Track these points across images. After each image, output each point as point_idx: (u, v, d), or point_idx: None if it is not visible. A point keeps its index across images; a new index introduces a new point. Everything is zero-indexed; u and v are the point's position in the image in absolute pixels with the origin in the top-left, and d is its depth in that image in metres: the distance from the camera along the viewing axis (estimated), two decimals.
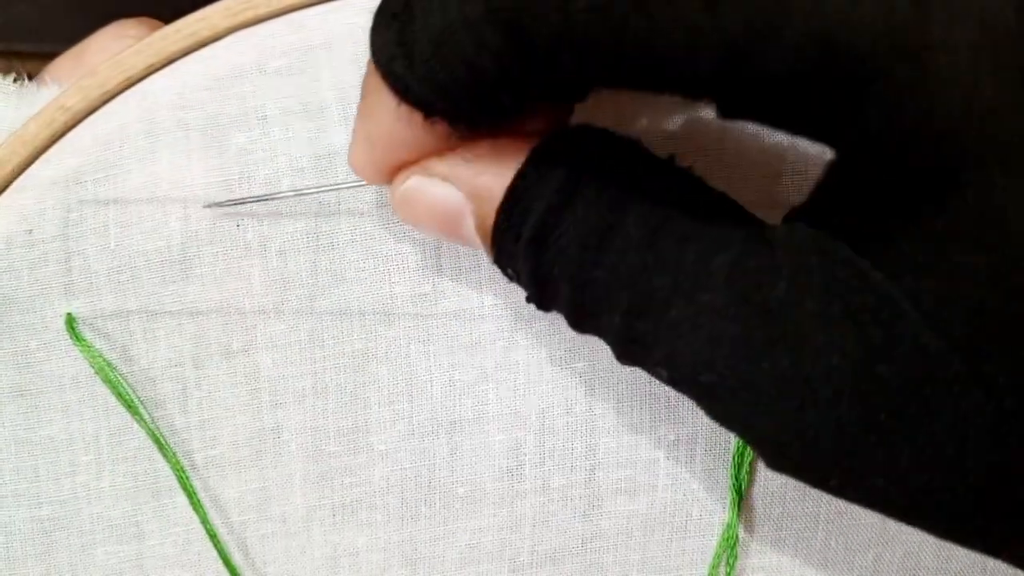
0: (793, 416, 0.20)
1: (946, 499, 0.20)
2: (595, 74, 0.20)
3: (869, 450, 0.20)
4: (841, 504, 0.29)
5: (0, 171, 0.28)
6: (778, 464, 0.22)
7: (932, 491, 0.20)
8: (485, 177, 0.23)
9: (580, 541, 0.30)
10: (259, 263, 0.29)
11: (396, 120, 0.22)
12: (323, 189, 0.27)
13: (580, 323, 0.23)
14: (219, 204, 0.28)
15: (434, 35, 0.20)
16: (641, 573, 0.30)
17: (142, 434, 0.29)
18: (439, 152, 0.23)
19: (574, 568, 0.30)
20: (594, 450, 0.29)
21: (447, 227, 0.24)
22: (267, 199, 0.28)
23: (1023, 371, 0.19)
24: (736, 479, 0.29)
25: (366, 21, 0.28)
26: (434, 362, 0.29)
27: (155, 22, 0.30)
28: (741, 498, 0.29)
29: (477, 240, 0.24)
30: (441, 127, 0.22)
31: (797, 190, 0.27)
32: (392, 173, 0.24)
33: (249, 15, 0.28)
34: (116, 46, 0.29)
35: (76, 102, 0.28)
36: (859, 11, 0.18)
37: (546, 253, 0.22)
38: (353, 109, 0.27)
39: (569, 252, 0.22)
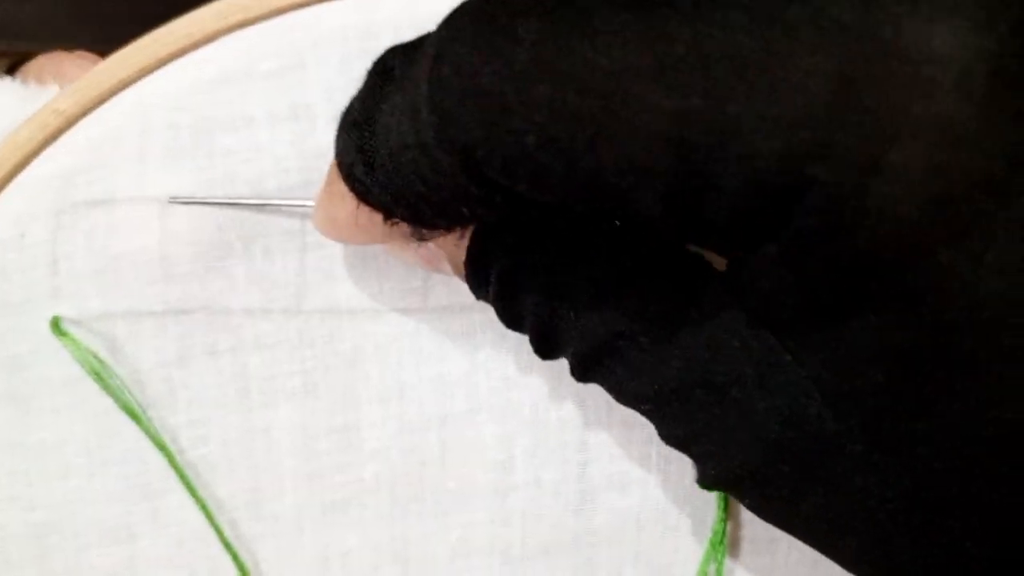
0: (714, 451, 0.23)
1: (848, 548, 0.22)
2: (546, 199, 0.20)
3: (776, 494, 0.23)
4: None
5: None
6: (704, 484, 0.24)
7: (832, 539, 0.23)
8: (450, 236, 0.24)
9: (572, 536, 0.30)
10: (243, 263, 0.29)
11: (357, 219, 0.24)
12: (287, 203, 0.28)
13: (544, 357, 0.25)
14: (182, 200, 0.28)
15: (392, 150, 0.21)
16: (634, 569, 0.30)
17: (132, 436, 0.29)
18: None
19: (566, 563, 0.30)
20: (586, 444, 0.29)
21: (428, 265, 0.27)
22: (232, 203, 0.28)
23: (910, 466, 0.20)
24: None
25: (353, 22, 0.28)
26: (424, 357, 0.29)
27: (92, 57, 0.30)
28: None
29: (457, 276, 0.26)
30: (401, 227, 0.23)
31: None
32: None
33: (239, 18, 0.28)
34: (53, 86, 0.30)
35: (69, 105, 0.28)
36: (795, 150, 0.18)
37: (512, 306, 0.24)
38: (340, 109, 0.27)
39: (529, 305, 0.24)
